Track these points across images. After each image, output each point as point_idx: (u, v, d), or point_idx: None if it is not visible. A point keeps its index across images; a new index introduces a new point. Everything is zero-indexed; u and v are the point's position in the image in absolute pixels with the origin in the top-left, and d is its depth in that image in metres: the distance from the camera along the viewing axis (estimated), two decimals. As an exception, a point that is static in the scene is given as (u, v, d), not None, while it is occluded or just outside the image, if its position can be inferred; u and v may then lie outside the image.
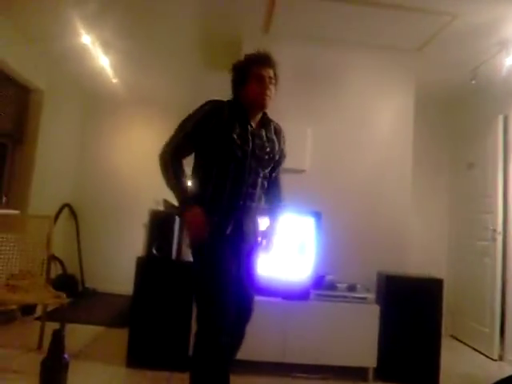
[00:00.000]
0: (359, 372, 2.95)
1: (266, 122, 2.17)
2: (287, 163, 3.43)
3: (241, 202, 2.01)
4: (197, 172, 2.07)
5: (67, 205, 5.21)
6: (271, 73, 2.12)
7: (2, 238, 3.08)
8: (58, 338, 1.23)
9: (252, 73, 2.09)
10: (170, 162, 2.00)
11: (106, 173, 5.49)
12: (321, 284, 3.06)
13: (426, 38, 3.45)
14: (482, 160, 4.18)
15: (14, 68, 3.86)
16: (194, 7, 3.37)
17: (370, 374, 2.95)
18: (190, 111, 2.07)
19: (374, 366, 2.93)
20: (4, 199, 4.15)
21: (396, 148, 3.60)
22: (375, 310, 2.97)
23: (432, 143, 4.68)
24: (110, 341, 3.46)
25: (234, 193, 2.00)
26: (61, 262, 4.84)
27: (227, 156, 1.98)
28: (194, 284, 2.01)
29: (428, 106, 4.46)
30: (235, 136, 1.99)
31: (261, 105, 2.10)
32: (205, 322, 1.91)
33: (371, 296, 3.03)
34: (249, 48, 3.55)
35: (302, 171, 3.50)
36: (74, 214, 5.33)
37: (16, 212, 3.95)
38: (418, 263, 3.72)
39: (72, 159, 5.35)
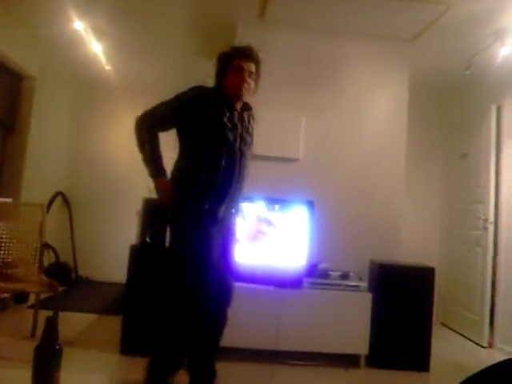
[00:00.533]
0: (351, 359, 2.99)
1: (246, 108, 2.27)
2: (281, 152, 3.47)
3: (233, 185, 2.11)
4: (186, 157, 2.13)
5: (60, 193, 5.18)
6: (252, 67, 2.19)
7: (-5, 225, 3.06)
8: (51, 325, 1.23)
9: (232, 65, 2.17)
10: (146, 133, 2.14)
11: (99, 160, 5.45)
12: (314, 272, 3.08)
13: (420, 27, 3.44)
14: (474, 150, 4.20)
15: (6, 54, 3.81)
16: (188, -6, 3.34)
17: (362, 361, 2.99)
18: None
19: (366, 353, 2.97)
20: (-4, 187, 4.13)
21: (390, 137, 3.61)
22: (367, 298, 2.99)
23: (425, 133, 4.69)
24: (103, 328, 3.47)
25: (227, 175, 2.09)
26: (54, 250, 4.83)
27: (219, 139, 2.07)
28: (176, 264, 2.07)
29: (422, 95, 4.46)
30: (225, 120, 2.09)
31: (237, 96, 2.18)
32: (185, 305, 2.02)
33: (364, 284, 3.06)
34: (244, 35, 3.57)
35: (295, 160, 3.50)
36: (66, 202, 5.30)
37: (8, 200, 3.92)
38: (410, 252, 3.75)
39: (65, 147, 5.31)
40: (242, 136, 2.16)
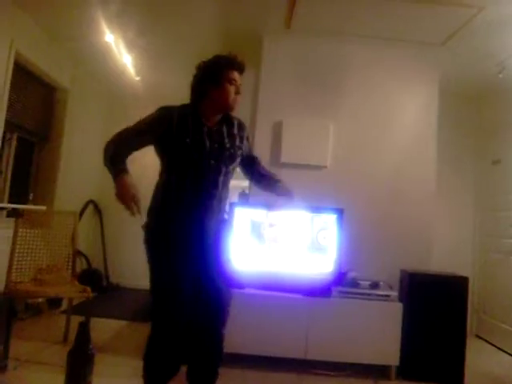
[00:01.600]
0: (382, 370, 2.93)
1: (227, 119, 2.17)
2: (309, 159, 3.45)
3: (202, 200, 2.03)
4: (160, 177, 2.15)
5: (92, 201, 5.30)
6: (240, 80, 2.14)
7: (30, 233, 3.15)
8: (84, 330, 1.26)
9: (226, 76, 2.09)
10: (111, 147, 2.18)
11: (130, 170, 5.55)
12: (343, 281, 3.04)
13: (450, 31, 3.38)
14: (507, 156, 4.08)
15: (40, 67, 3.95)
16: (215, 5, 3.38)
17: (393, 373, 2.92)
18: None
19: (397, 364, 2.90)
20: (31, 195, 4.26)
21: (420, 144, 3.54)
22: (398, 307, 2.93)
23: (457, 139, 4.58)
24: (133, 335, 3.51)
25: (195, 191, 2.03)
26: (86, 257, 4.95)
27: (184, 159, 2.03)
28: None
29: (453, 100, 4.37)
30: (188, 140, 2.02)
31: (231, 108, 2.12)
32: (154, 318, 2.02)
33: (394, 294, 3.00)
34: (270, 44, 3.59)
35: (323, 167, 3.48)
36: (98, 210, 5.42)
37: (42, 208, 4.04)
38: (442, 261, 3.66)
39: (96, 156, 5.36)
40: (212, 151, 2.04)
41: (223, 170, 2.08)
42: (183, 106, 2.15)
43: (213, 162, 2.04)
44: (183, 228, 2.03)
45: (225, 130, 2.13)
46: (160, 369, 1.99)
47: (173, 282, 1.97)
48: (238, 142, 2.16)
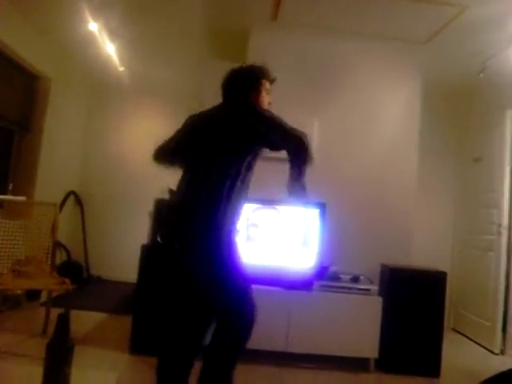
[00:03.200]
0: (361, 362, 2.97)
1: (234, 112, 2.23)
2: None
3: (195, 204, 1.97)
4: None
5: (73, 192, 5.23)
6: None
7: (9, 224, 3.11)
8: (63, 321, 1.25)
9: (265, 85, 2.19)
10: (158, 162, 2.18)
11: (112, 161, 5.50)
12: (324, 275, 3.07)
13: (434, 29, 3.42)
14: (488, 154, 4.15)
15: (22, 55, 3.87)
16: (202, -4, 3.36)
17: (372, 365, 2.97)
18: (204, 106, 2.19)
19: (376, 356, 2.95)
20: (10, 186, 4.18)
21: (402, 140, 3.59)
22: (378, 301, 2.97)
23: (438, 136, 4.65)
24: (113, 327, 3.49)
25: (189, 195, 2.00)
26: (66, 249, 4.89)
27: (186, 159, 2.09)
28: None
29: (435, 98, 4.43)
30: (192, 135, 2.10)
31: None
32: None
33: (374, 288, 3.04)
34: (256, 37, 3.58)
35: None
36: (79, 201, 5.36)
37: (22, 198, 3.97)
38: (422, 256, 3.72)
39: (78, 147, 5.37)
40: (213, 148, 1.96)
41: (223, 167, 2.06)
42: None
43: (213, 159, 2.03)
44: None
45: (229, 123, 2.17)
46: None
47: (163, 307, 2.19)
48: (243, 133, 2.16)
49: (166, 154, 2.17)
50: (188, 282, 2.03)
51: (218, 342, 2.00)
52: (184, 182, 2.03)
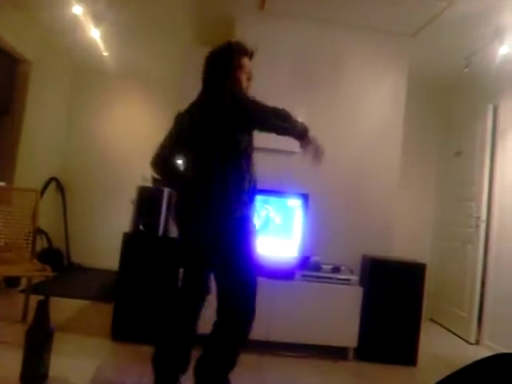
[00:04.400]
0: (340, 351, 3.02)
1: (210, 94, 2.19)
2: (278, 144, 3.46)
3: (200, 186, 2.02)
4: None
5: (54, 178, 5.15)
6: (250, 66, 2.13)
7: (-13, 209, 3.05)
8: (42, 308, 1.24)
9: (242, 63, 2.08)
10: (157, 166, 2.14)
11: (95, 147, 5.43)
12: (306, 265, 3.10)
13: (420, 23, 3.44)
14: (469, 148, 4.22)
15: (2, 37, 3.76)
16: (189, -19, 3.31)
17: (351, 354, 3.02)
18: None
19: (355, 346, 3.00)
20: (-11, 171, 4.10)
21: (386, 133, 3.61)
22: (358, 291, 3.02)
23: (421, 129, 4.71)
24: (95, 314, 3.48)
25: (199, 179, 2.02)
26: (46, 236, 4.83)
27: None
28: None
29: (420, 91, 4.47)
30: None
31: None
32: None
33: (355, 278, 3.08)
34: (242, 25, 3.55)
35: (292, 153, 3.50)
36: (60, 188, 5.28)
37: (1, 184, 3.90)
38: (402, 247, 3.78)
39: (60, 132, 5.28)
40: (201, 128, 2.02)
41: (207, 146, 2.09)
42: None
43: (203, 138, 2.06)
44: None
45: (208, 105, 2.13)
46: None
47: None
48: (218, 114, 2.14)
49: (165, 155, 2.14)
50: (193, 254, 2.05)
51: (218, 331, 2.04)
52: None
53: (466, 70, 3.78)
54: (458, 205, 4.31)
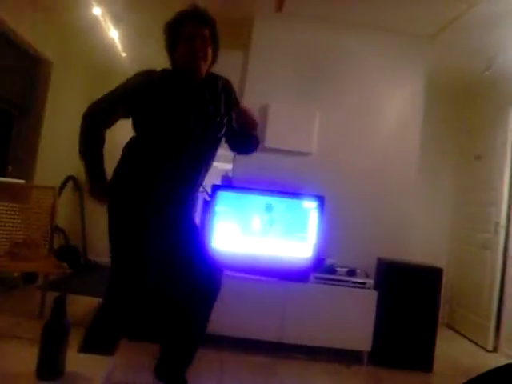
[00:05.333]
0: (354, 355, 2.99)
1: (211, 79, 1.98)
2: (294, 146, 3.46)
3: (180, 168, 1.94)
4: (134, 143, 2.05)
5: (72, 177, 5.22)
6: (206, 32, 1.85)
7: (7, 206, 3.10)
8: (60, 304, 1.25)
9: (182, 33, 1.85)
10: (91, 130, 2.05)
11: (111, 147, 5.47)
12: (321, 267, 3.08)
13: (441, 24, 3.39)
14: (489, 152, 4.15)
15: (24, 38, 3.83)
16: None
17: (365, 358, 2.99)
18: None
19: (369, 350, 2.97)
20: (10, 169, 4.17)
21: (403, 135, 3.58)
22: (373, 295, 2.99)
23: (440, 132, 4.64)
24: (109, 313, 3.50)
25: (173, 158, 1.92)
26: (64, 234, 4.89)
27: (165, 121, 1.89)
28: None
29: (439, 94, 4.41)
30: (173, 99, 1.88)
31: (193, 68, 1.87)
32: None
33: (370, 281, 3.05)
34: (260, 27, 3.55)
35: (308, 154, 3.49)
36: (78, 186, 5.35)
37: (21, 181, 3.96)
38: (418, 251, 3.73)
39: (78, 132, 5.32)
40: (199, 113, 1.90)
41: (210, 131, 1.96)
42: (164, 71, 1.97)
43: (200, 122, 1.90)
44: (158, 196, 1.94)
45: (208, 94, 1.95)
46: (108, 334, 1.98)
47: (139, 249, 1.93)
48: (223, 109, 1.98)
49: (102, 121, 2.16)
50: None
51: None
52: None
53: (487, 72, 3.71)
54: (477, 209, 4.24)
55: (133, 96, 1.92)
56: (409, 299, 3.02)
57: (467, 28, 3.35)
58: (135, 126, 2.02)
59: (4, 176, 4.04)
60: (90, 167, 2.03)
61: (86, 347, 1.87)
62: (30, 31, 3.88)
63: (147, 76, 1.93)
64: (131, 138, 2.07)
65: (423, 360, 3.00)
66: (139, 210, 1.91)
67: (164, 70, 1.97)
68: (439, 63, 3.91)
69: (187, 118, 1.89)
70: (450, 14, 3.20)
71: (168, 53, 1.96)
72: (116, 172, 2.03)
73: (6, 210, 3.08)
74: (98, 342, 1.93)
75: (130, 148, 2.05)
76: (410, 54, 3.64)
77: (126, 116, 2.00)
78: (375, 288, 3.04)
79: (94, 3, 3.55)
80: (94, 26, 3.91)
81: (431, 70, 3.67)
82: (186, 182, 1.98)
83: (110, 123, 2.02)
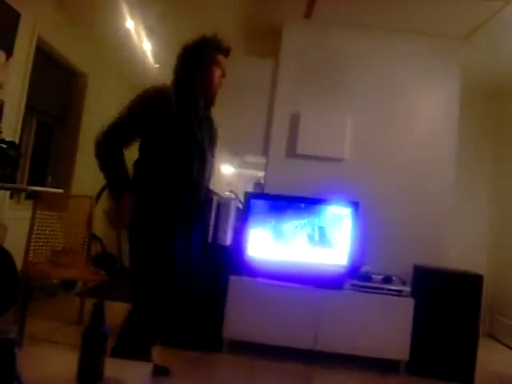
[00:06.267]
0: (391, 364, 2.92)
1: (209, 101, 2.16)
2: (326, 152, 3.43)
3: (200, 184, 2.07)
4: (152, 160, 2.03)
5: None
6: (225, 63, 2.12)
7: (47, 215, 3.20)
8: (98, 310, 1.28)
9: (212, 58, 2.07)
10: (111, 152, 2.01)
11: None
12: (356, 274, 3.04)
13: (474, 24, 3.31)
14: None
15: (61, 51, 3.98)
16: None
17: (402, 368, 2.91)
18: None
19: (407, 359, 2.89)
20: (49, 178, 4.32)
21: (439, 139, 3.49)
22: (410, 303, 2.92)
23: (477, 135, 4.50)
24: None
25: (197, 174, 2.03)
26: (101, 241, 5.01)
27: (188, 139, 1.98)
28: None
29: (474, 95, 4.29)
30: (192, 118, 2.00)
31: (213, 93, 2.10)
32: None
33: (407, 289, 2.98)
34: (289, 34, 3.56)
35: (340, 160, 3.45)
36: (113, 195, 5.47)
37: (60, 191, 4.09)
38: (457, 258, 3.61)
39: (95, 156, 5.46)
40: (207, 132, 2.11)
41: (213, 150, 2.17)
42: (176, 89, 2.06)
43: (208, 141, 2.09)
44: (183, 208, 2.02)
45: (209, 111, 2.17)
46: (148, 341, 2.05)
47: (172, 262, 1.98)
48: (215, 125, 2.23)
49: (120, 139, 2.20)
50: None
51: None
52: None
53: (525, 71, 3.59)
54: (517, 214, 4.09)
55: (151, 115, 1.97)
56: (447, 307, 2.93)
57: (503, 27, 3.25)
58: (149, 145, 2.05)
59: (43, 186, 4.18)
60: (118, 184, 2.01)
61: (120, 352, 1.90)
62: (66, 46, 4.02)
63: (162, 95, 2.00)
64: (143, 157, 2.09)
65: (463, 371, 2.89)
66: (171, 225, 2.00)
67: (176, 88, 2.05)
68: (474, 65, 3.81)
69: (202, 134, 2.04)
70: (484, 13, 3.12)
71: (190, 70, 2.06)
72: (143, 194, 2.02)
73: (46, 219, 3.18)
74: (135, 347, 1.96)
75: (148, 167, 2.06)
76: (443, 56, 3.56)
77: (140, 136, 2.05)
78: (412, 296, 2.96)
79: (127, 17, 3.66)
80: (127, 38, 4.02)
81: (466, 71, 3.58)
82: (201, 195, 2.11)
83: (128, 145, 2.07)
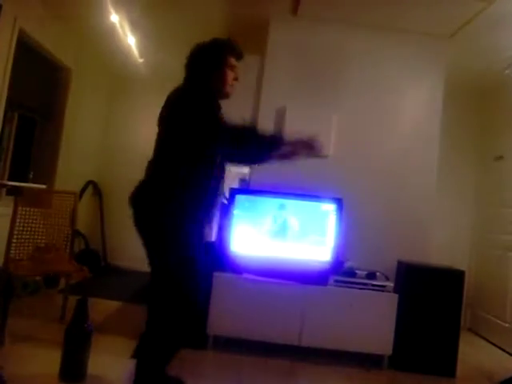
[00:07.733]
0: (374, 359, 2.96)
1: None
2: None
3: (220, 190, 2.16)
4: (189, 165, 2.01)
5: (92, 182, 5.30)
6: (238, 67, 2.11)
7: (29, 211, 3.15)
8: (82, 307, 1.27)
9: (227, 61, 2.05)
10: (245, 137, 1.98)
11: (131, 151, 5.54)
12: (340, 270, 3.06)
13: (458, 24, 3.34)
14: (510, 153, 4.06)
15: (44, 45, 3.91)
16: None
17: (385, 362, 2.95)
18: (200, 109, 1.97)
19: (390, 354, 2.93)
20: (31, 174, 4.25)
21: (422, 136, 3.53)
22: (393, 298, 2.95)
23: (460, 133, 4.57)
24: (130, 316, 3.53)
25: (218, 183, 2.13)
26: (84, 238, 4.97)
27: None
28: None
29: (457, 94, 4.34)
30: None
31: (228, 94, 2.07)
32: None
33: (390, 284, 3.01)
34: (276, 31, 3.56)
35: (325, 157, 3.46)
36: (98, 191, 5.42)
37: (42, 187, 4.04)
38: (439, 254, 3.68)
39: (97, 137, 5.43)
40: None
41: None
42: (206, 85, 2.04)
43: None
44: (206, 215, 2.09)
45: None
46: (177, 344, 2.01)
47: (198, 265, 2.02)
48: None
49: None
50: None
51: None
52: None
53: (507, 71, 3.65)
54: (499, 211, 4.15)
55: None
56: (430, 302, 2.98)
57: (486, 26, 3.29)
58: (193, 151, 2.00)
59: (26, 181, 4.12)
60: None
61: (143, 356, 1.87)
62: (49, 39, 3.96)
63: (212, 94, 2.01)
64: (173, 162, 2.07)
65: (446, 365, 2.94)
66: (197, 230, 2.06)
67: (205, 90, 2.02)
68: (458, 63, 3.85)
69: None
70: (468, 12, 3.16)
71: (207, 70, 2.04)
72: (172, 199, 2.08)
73: (28, 215, 3.13)
74: (164, 352, 1.94)
75: (183, 173, 2.03)
76: (428, 54, 3.59)
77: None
78: (395, 291, 2.99)
79: (111, 11, 3.61)
80: (111, 33, 3.97)
81: (450, 69, 3.62)
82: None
83: None
